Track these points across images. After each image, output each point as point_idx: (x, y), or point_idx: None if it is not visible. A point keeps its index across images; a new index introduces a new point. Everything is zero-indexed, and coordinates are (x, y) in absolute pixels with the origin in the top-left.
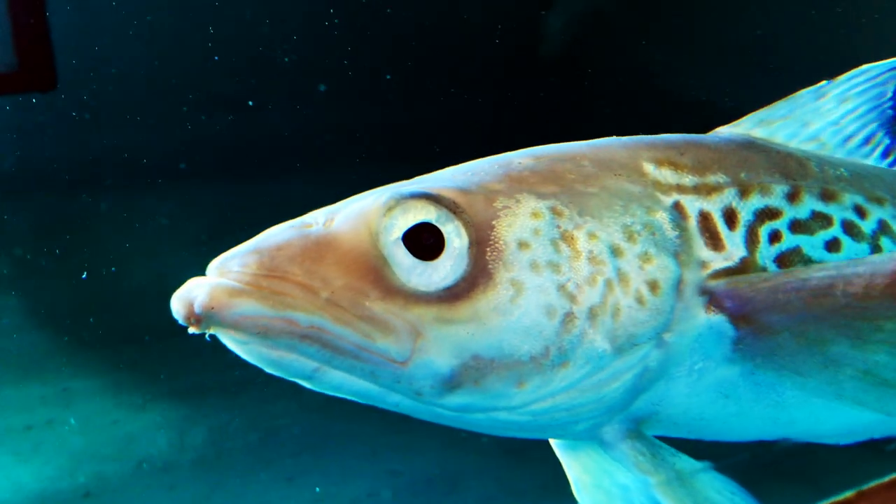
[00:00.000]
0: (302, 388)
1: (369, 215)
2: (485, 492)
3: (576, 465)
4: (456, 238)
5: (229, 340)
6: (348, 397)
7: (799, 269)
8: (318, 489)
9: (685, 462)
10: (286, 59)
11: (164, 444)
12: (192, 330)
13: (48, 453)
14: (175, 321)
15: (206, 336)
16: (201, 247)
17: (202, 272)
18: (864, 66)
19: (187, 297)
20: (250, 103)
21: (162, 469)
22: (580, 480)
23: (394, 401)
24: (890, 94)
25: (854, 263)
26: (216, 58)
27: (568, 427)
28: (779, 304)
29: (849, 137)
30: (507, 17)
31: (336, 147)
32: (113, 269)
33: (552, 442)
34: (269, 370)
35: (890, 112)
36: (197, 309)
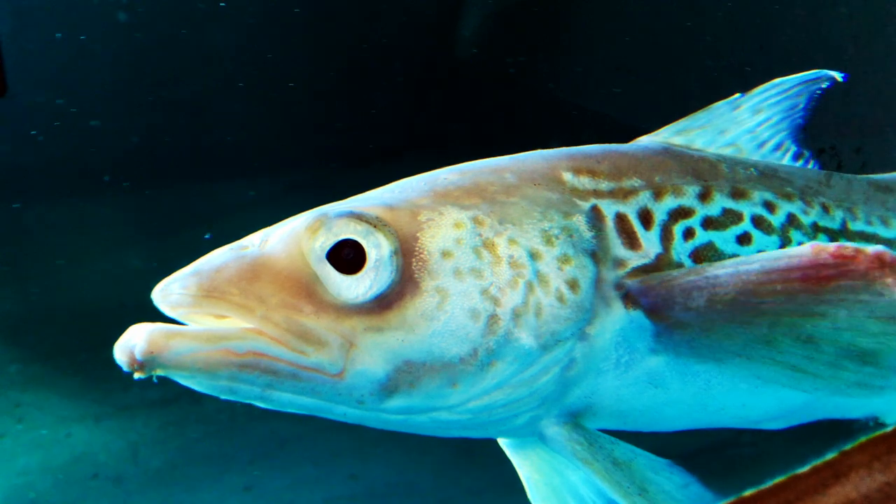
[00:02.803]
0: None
1: (298, 235)
2: (443, 494)
3: (526, 465)
4: (374, 249)
5: (176, 377)
6: (300, 412)
7: (705, 266)
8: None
9: (623, 448)
10: (230, 65)
11: (118, 457)
12: (137, 375)
13: None
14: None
15: (154, 379)
16: (153, 253)
17: (155, 279)
18: (777, 80)
19: (127, 346)
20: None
21: (115, 482)
22: (531, 479)
23: (341, 411)
24: (802, 106)
25: (749, 261)
26: (170, 64)
27: (507, 423)
28: (687, 301)
29: (763, 143)
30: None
31: (262, 151)
32: (64, 278)
33: (502, 444)
34: (222, 397)
35: (800, 121)
36: (138, 356)
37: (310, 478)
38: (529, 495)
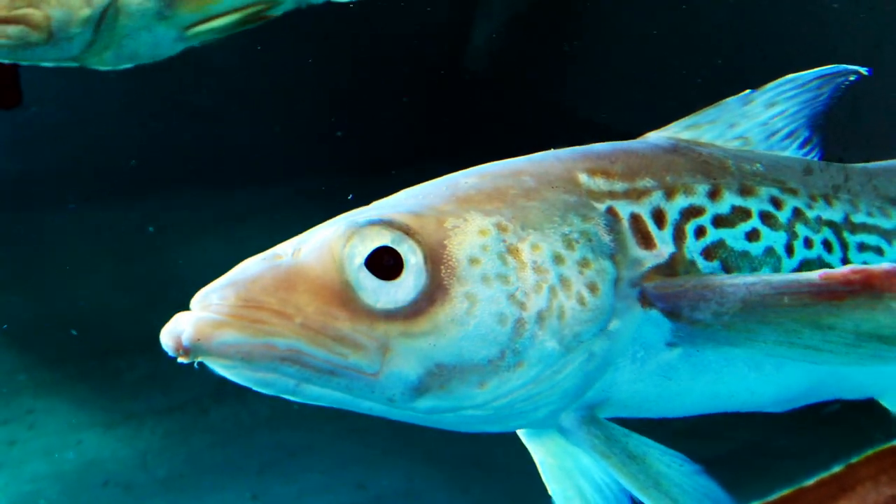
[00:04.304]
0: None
1: (332, 244)
2: (452, 502)
3: (540, 450)
4: (412, 256)
5: (217, 366)
6: (326, 405)
7: (719, 278)
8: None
9: (636, 441)
10: (240, 74)
11: (128, 464)
12: (181, 360)
13: (9, 475)
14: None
15: (195, 364)
16: (163, 261)
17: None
18: (791, 76)
19: (175, 332)
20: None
21: (125, 489)
22: (545, 463)
23: (367, 405)
24: (824, 97)
25: (764, 280)
26: (179, 72)
27: (527, 416)
28: (703, 307)
29: (774, 133)
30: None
31: (271, 159)
32: (73, 285)
33: (518, 431)
34: (255, 388)
35: (821, 108)
36: (185, 342)
37: (317, 487)
38: (544, 478)
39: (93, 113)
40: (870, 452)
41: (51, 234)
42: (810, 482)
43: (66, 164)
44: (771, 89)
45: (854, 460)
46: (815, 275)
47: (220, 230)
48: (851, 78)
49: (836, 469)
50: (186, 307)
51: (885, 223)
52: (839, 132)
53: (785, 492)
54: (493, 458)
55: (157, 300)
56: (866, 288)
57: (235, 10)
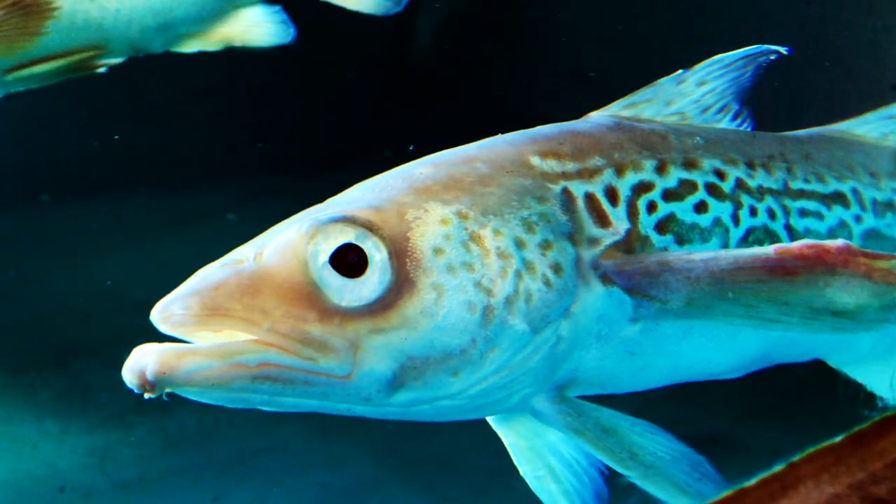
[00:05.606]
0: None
1: (295, 245)
2: (416, 499)
3: (510, 433)
4: (376, 252)
5: (186, 393)
6: (301, 411)
7: (677, 254)
8: None
9: (606, 414)
10: (187, 76)
11: (86, 469)
12: (147, 396)
13: None
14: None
15: (164, 396)
16: (118, 264)
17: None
18: (719, 56)
19: (138, 368)
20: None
21: (83, 495)
22: (516, 445)
23: (345, 407)
24: (748, 75)
25: (721, 254)
26: (131, 71)
27: (502, 403)
28: (662, 283)
29: (707, 108)
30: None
31: (222, 159)
32: (26, 291)
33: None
34: (229, 406)
35: (747, 84)
36: (150, 377)
37: (279, 486)
38: (515, 460)
39: (45, 112)
40: (811, 450)
41: (8, 234)
42: (752, 482)
43: (17, 164)
44: (701, 69)
45: (795, 459)
46: (770, 249)
47: (172, 232)
48: (772, 57)
49: (778, 468)
50: (143, 310)
51: (822, 188)
52: (780, 129)
53: (727, 492)
54: (455, 455)
55: (112, 304)
56: (819, 263)
57: (56, 56)
